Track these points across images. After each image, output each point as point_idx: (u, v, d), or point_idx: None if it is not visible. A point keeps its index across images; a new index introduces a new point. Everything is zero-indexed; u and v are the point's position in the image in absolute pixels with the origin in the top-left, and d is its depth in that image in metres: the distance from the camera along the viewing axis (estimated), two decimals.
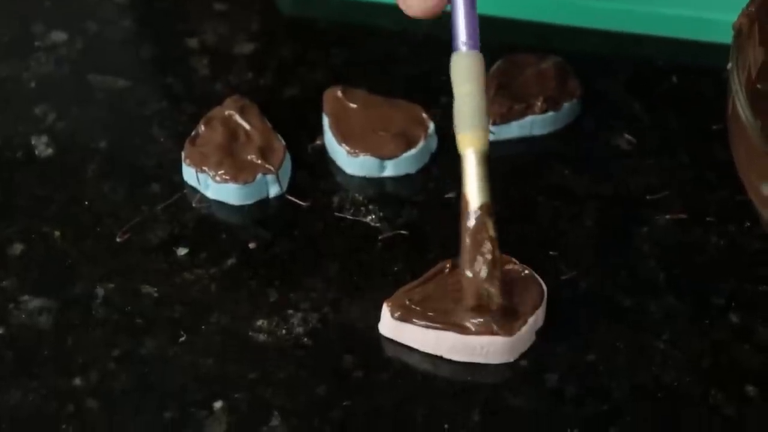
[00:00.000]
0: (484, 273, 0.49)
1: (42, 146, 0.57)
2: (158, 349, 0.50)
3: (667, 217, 0.54)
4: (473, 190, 0.49)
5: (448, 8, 0.51)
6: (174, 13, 0.62)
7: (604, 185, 0.55)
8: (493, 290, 0.49)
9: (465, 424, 0.48)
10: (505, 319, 0.50)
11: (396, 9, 0.54)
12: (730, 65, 0.49)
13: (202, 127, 0.56)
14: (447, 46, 0.56)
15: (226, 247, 0.53)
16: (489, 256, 0.49)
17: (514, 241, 0.53)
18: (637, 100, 0.58)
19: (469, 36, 0.51)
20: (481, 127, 0.49)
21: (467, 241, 0.49)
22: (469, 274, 0.49)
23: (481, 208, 0.49)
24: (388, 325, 0.51)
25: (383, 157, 0.55)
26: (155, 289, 0.52)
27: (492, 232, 0.49)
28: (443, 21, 0.60)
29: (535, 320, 0.50)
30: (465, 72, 0.50)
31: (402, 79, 0.59)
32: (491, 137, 0.56)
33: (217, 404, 0.49)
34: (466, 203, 0.49)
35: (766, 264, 0.53)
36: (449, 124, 0.57)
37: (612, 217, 0.54)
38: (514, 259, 0.52)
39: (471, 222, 0.49)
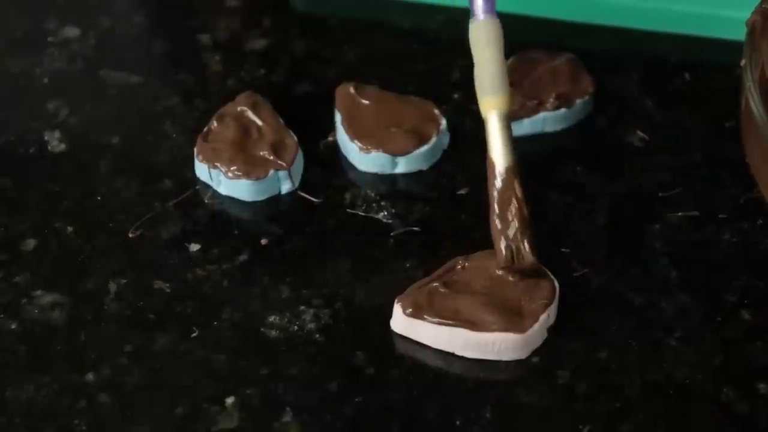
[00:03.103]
0: (513, 231, 0.49)
1: (55, 142, 0.57)
2: (170, 344, 0.50)
3: (680, 214, 0.54)
4: (498, 152, 0.50)
5: None
6: (186, 9, 0.62)
7: (617, 182, 0.55)
8: (525, 247, 0.49)
9: (477, 421, 0.48)
10: (518, 316, 0.50)
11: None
12: (743, 62, 0.49)
13: (215, 123, 0.56)
14: (459, 43, 0.56)
15: (239, 243, 0.53)
16: (518, 215, 0.49)
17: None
18: (649, 97, 0.58)
19: (486, 3, 0.52)
20: (503, 90, 0.51)
21: (495, 201, 0.50)
22: (499, 233, 0.49)
23: (507, 169, 0.50)
24: (400, 322, 0.51)
25: (395, 154, 0.55)
26: (167, 284, 0.52)
27: (519, 193, 0.50)
28: (455, 18, 0.60)
29: (547, 317, 0.50)
30: (485, 37, 0.52)
31: (414, 76, 0.59)
32: None
33: (229, 400, 0.49)
34: (492, 165, 0.50)
35: None
36: (461, 120, 0.57)
37: (624, 215, 0.54)
38: None
39: (498, 183, 0.50)
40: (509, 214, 0.50)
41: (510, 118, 0.51)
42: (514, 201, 0.50)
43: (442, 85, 0.58)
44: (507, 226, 0.50)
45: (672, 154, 0.56)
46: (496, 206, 0.50)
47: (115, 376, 0.49)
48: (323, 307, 0.51)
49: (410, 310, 0.50)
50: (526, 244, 0.50)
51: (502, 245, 0.50)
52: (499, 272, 0.50)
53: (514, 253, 0.50)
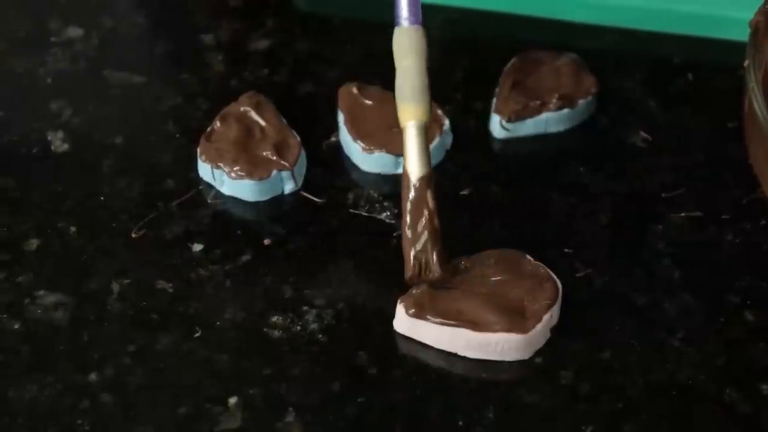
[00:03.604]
0: (422, 243, 0.49)
1: (58, 142, 0.57)
2: (173, 344, 0.50)
3: (682, 214, 0.54)
4: (413, 163, 0.50)
5: None
6: (189, 9, 0.62)
7: (620, 183, 0.55)
8: (433, 260, 0.49)
9: (480, 421, 0.48)
10: (520, 316, 0.50)
11: None
12: (746, 63, 0.49)
13: (218, 124, 0.56)
14: (461, 43, 0.56)
15: (241, 244, 0.53)
16: (428, 227, 0.50)
17: (529, 238, 0.53)
18: (652, 97, 0.58)
19: (410, 11, 0.52)
20: (422, 100, 0.51)
21: (407, 212, 0.50)
22: (409, 244, 0.50)
23: (420, 179, 0.50)
24: (403, 322, 0.51)
25: (398, 154, 0.55)
26: (170, 284, 0.52)
27: (431, 204, 0.50)
28: (455, 18, 0.60)
29: (549, 317, 0.50)
30: (406, 46, 0.51)
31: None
32: (506, 134, 0.57)
33: (232, 400, 0.49)
34: (407, 175, 0.50)
35: None
36: (465, 120, 0.57)
37: (627, 215, 0.54)
38: (529, 256, 0.52)
39: (411, 194, 0.50)
40: (420, 225, 0.50)
41: (425, 130, 0.50)
42: (426, 212, 0.50)
43: (445, 85, 0.58)
44: (417, 238, 0.50)
45: (675, 155, 0.56)
46: (407, 217, 0.50)
47: (118, 376, 0.49)
48: (326, 308, 0.51)
49: (413, 310, 0.50)
50: (434, 256, 0.50)
51: (411, 257, 0.50)
52: (407, 281, 0.50)
53: (422, 266, 0.50)
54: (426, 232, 0.50)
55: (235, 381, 0.49)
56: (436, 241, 0.50)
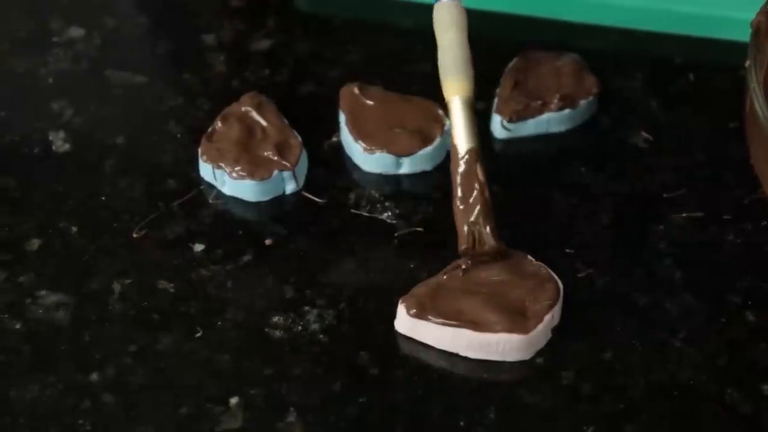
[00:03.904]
0: (475, 215, 0.49)
1: (59, 142, 0.57)
2: (174, 344, 0.50)
3: (684, 215, 0.54)
4: (461, 136, 0.50)
5: None
6: (190, 10, 0.62)
7: (621, 183, 0.55)
8: (486, 231, 0.49)
9: (481, 422, 0.48)
10: (522, 316, 0.50)
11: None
12: (747, 63, 0.49)
13: (219, 124, 0.56)
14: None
15: (243, 244, 0.53)
16: (480, 199, 0.50)
17: (531, 238, 0.53)
18: (654, 97, 0.58)
19: None
20: (466, 74, 0.51)
21: (458, 185, 0.50)
22: (461, 217, 0.49)
23: (468, 152, 0.50)
24: (404, 323, 0.51)
25: (399, 154, 0.55)
26: (171, 284, 0.52)
27: (481, 176, 0.50)
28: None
29: (551, 318, 0.50)
30: (448, 20, 0.51)
31: (418, 76, 0.59)
32: (507, 134, 0.57)
33: (233, 400, 0.49)
34: (455, 149, 0.50)
35: None
36: None
37: (628, 215, 0.54)
38: (530, 256, 0.52)
39: (461, 167, 0.50)
40: (471, 198, 0.50)
41: (472, 104, 0.51)
42: (477, 185, 0.50)
43: None
44: (469, 210, 0.50)
45: (676, 155, 0.56)
46: (458, 190, 0.50)
47: (120, 376, 0.49)
48: (327, 308, 0.51)
49: (414, 310, 0.50)
50: (487, 228, 0.50)
51: (465, 229, 0.50)
52: (461, 254, 0.50)
53: (476, 238, 0.50)
54: (478, 205, 0.50)
55: (236, 381, 0.49)
56: (488, 212, 0.50)
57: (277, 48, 0.60)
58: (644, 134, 0.57)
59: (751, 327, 0.51)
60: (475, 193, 0.50)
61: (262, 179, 0.54)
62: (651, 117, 0.57)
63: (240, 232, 0.54)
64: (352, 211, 0.55)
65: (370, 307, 0.51)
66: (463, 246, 0.50)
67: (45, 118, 0.58)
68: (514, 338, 0.50)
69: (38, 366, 0.50)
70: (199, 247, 0.53)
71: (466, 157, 0.50)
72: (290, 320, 0.51)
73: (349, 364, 0.50)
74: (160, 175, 0.56)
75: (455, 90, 0.50)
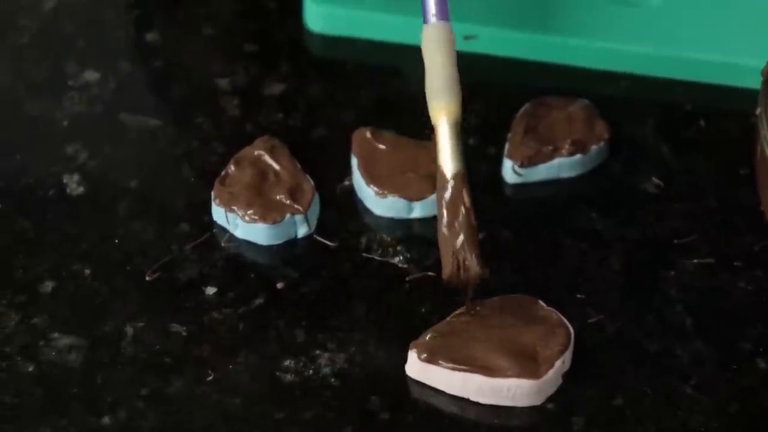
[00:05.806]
0: (460, 241, 0.49)
1: (74, 184, 0.57)
2: (186, 388, 0.50)
3: (695, 261, 0.54)
4: (447, 160, 0.49)
5: None
6: (205, 54, 0.63)
7: (632, 229, 0.55)
8: (471, 257, 0.49)
9: None
10: (533, 361, 0.50)
11: None
12: (758, 111, 0.49)
13: (232, 167, 0.56)
14: (474, 88, 0.56)
15: (255, 287, 0.54)
16: (465, 224, 0.49)
17: (542, 284, 0.53)
18: (665, 143, 0.58)
19: (438, 8, 0.51)
20: (454, 96, 0.50)
21: (444, 209, 0.49)
22: (446, 242, 0.49)
23: (455, 176, 0.49)
24: (415, 367, 0.51)
25: (411, 199, 0.56)
26: (184, 328, 0.52)
27: (467, 201, 0.49)
28: (469, 63, 0.60)
29: (561, 363, 0.50)
30: (435, 42, 0.50)
31: (430, 121, 0.59)
32: (518, 179, 0.57)
33: None
34: (442, 173, 0.49)
35: None
36: (477, 165, 0.57)
37: (639, 261, 0.54)
38: (541, 301, 0.52)
39: (447, 192, 0.49)
40: (457, 223, 0.49)
41: (459, 127, 0.50)
42: (463, 210, 0.49)
43: None
44: (454, 236, 0.49)
45: (687, 201, 0.56)
46: (444, 215, 0.49)
47: (131, 419, 0.50)
48: (338, 352, 0.51)
49: (425, 355, 0.50)
50: (473, 254, 0.49)
51: (449, 255, 0.49)
52: (444, 280, 0.49)
53: (461, 264, 0.49)
54: (463, 230, 0.49)
55: (247, 424, 0.49)
56: (473, 238, 0.49)
57: (290, 92, 0.61)
58: (655, 180, 0.57)
59: (763, 374, 0.51)
60: (461, 218, 0.49)
61: (274, 223, 0.55)
62: (662, 163, 0.58)
63: (252, 275, 0.54)
64: (364, 254, 0.55)
65: (381, 352, 0.51)
66: (447, 272, 0.49)
67: (60, 161, 0.58)
68: (525, 383, 0.49)
69: (50, 408, 0.50)
70: (211, 290, 0.53)
71: (452, 182, 0.49)
72: (301, 364, 0.51)
73: (360, 409, 0.50)
74: (174, 218, 0.56)
75: (442, 112, 0.49)
